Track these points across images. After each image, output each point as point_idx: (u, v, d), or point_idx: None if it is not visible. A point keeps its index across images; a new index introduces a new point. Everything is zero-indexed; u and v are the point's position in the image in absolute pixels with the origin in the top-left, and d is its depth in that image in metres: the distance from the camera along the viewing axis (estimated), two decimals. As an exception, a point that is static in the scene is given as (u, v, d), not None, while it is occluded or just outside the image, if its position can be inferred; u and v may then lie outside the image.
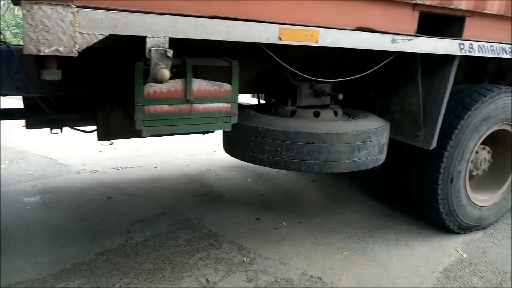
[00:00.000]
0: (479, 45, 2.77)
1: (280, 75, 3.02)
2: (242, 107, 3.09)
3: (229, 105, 2.38)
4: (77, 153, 5.44)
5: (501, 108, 3.20)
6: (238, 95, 2.42)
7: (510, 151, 3.55)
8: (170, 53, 1.81)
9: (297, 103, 2.92)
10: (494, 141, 3.62)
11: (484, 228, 3.65)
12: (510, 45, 2.94)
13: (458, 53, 2.70)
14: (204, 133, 3.13)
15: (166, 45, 1.80)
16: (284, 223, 3.62)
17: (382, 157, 2.85)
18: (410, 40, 2.46)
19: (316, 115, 2.88)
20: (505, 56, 2.94)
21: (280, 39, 2.04)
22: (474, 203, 3.43)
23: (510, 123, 3.33)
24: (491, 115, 3.15)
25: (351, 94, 3.65)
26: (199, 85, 2.25)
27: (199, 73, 2.56)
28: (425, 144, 2.96)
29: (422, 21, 2.64)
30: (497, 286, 2.85)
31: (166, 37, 1.80)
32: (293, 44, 2.12)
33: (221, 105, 2.35)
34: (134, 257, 2.94)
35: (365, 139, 2.63)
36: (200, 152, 5.78)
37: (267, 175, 4.87)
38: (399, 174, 3.58)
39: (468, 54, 2.74)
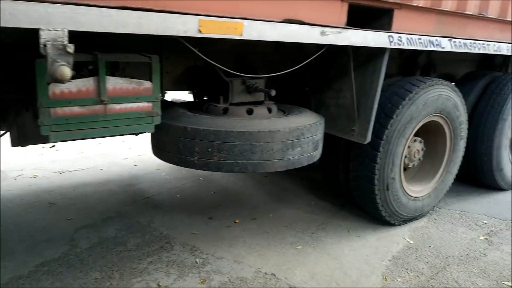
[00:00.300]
0: (407, 38, 2.77)
1: (211, 70, 2.85)
2: (172, 105, 2.89)
3: (150, 104, 2.18)
4: (13, 157, 5.01)
5: (431, 101, 3.25)
6: (160, 93, 2.23)
7: (440, 140, 3.65)
8: (70, 48, 1.58)
9: (229, 100, 2.77)
10: (424, 132, 3.71)
11: (428, 213, 3.76)
12: (436, 38, 2.99)
13: (387, 45, 2.68)
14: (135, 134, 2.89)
15: (66, 39, 1.57)
16: (237, 221, 3.57)
17: (318, 154, 2.79)
18: (340, 32, 2.39)
19: (250, 112, 2.75)
20: (432, 48, 2.98)
21: (200, 31, 1.87)
22: (412, 196, 3.48)
23: (439, 114, 3.40)
24: (418, 110, 3.18)
25: (287, 90, 3.59)
26: (114, 83, 2.03)
27: (120, 71, 2.34)
28: (360, 138, 2.93)
29: (352, 13, 2.59)
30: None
31: (64, 30, 1.56)
32: (216, 38, 1.96)
33: (141, 104, 2.14)
34: (79, 266, 2.78)
35: (299, 136, 2.54)
36: (149, 152, 5.49)
37: (219, 173, 4.72)
38: (337, 170, 3.56)
39: (397, 46, 2.74)
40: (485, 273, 2.95)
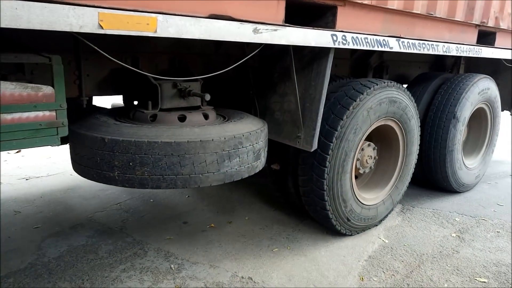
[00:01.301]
0: (353, 37, 2.58)
1: (139, 73, 2.54)
2: (95, 112, 2.56)
3: (53, 113, 1.85)
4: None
5: (382, 104, 3.09)
6: (65, 100, 1.89)
7: (394, 144, 3.50)
8: None
9: (159, 106, 2.47)
10: (377, 137, 3.56)
11: (381, 221, 3.61)
12: (384, 38, 2.82)
13: (331, 45, 2.47)
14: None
15: None
16: (213, 225, 3.52)
17: (260, 164, 2.54)
18: (275, 30, 2.15)
19: (182, 119, 2.46)
20: (380, 48, 2.82)
21: (102, 27, 1.57)
22: (366, 204, 3.31)
23: (391, 118, 3.25)
24: (369, 113, 3.01)
25: (232, 93, 3.33)
26: (3, 89, 1.69)
27: (27, 74, 2.00)
28: (306, 145, 2.71)
29: (292, 10, 2.37)
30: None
31: None
32: (124, 35, 1.66)
33: (40, 113, 1.81)
34: (47, 276, 2.67)
35: (236, 145, 2.28)
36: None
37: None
38: (286, 178, 3.33)
39: (342, 46, 2.54)
40: (458, 270, 2.97)
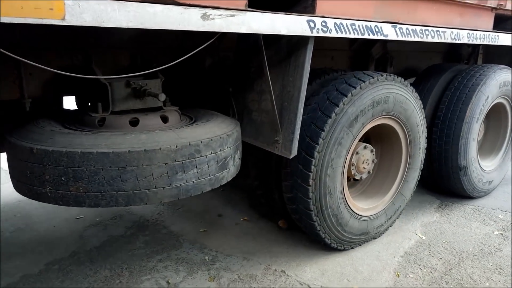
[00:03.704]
0: (335, 23, 2.18)
1: (90, 70, 2.23)
2: (39, 116, 2.25)
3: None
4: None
5: (378, 100, 2.67)
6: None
7: (395, 145, 3.08)
8: None
9: (110, 108, 2.14)
10: (376, 138, 3.14)
11: (382, 233, 3.21)
12: (376, 24, 2.41)
13: (308, 33, 2.08)
14: None
15: None
16: (246, 218, 3.53)
17: (228, 174, 2.18)
18: (233, 15, 1.78)
19: (134, 123, 2.12)
20: (371, 37, 2.40)
21: (-12, 14, 1.24)
22: (362, 215, 2.91)
23: (390, 116, 2.83)
24: (364, 109, 2.61)
25: (210, 91, 2.98)
26: None
27: None
28: (285, 151, 2.34)
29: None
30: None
31: None
32: (26, 23, 1.33)
33: None
34: (89, 264, 2.80)
35: (192, 154, 1.93)
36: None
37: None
38: (270, 184, 2.97)
39: (322, 34, 2.14)
40: (500, 268, 2.85)
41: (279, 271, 2.74)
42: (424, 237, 3.24)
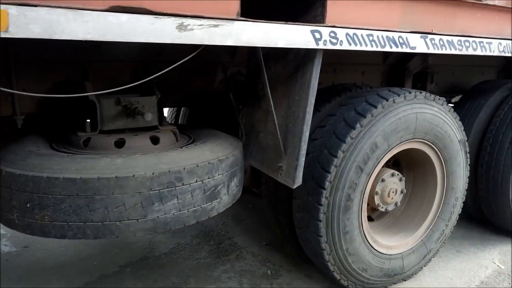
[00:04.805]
0: (348, 34, 1.87)
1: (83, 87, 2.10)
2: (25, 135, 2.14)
3: None
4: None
5: (402, 121, 2.30)
6: None
7: (429, 174, 2.66)
8: None
9: (98, 127, 1.99)
10: (409, 164, 2.74)
11: (411, 276, 2.79)
12: (400, 34, 2.06)
13: (312, 45, 1.79)
14: None
15: None
16: None
17: (220, 205, 1.92)
18: (216, 26, 1.55)
19: (120, 144, 1.94)
20: (394, 49, 2.06)
21: None
22: (384, 254, 2.52)
23: (421, 140, 2.44)
24: (386, 132, 2.25)
25: (220, 109, 2.78)
26: None
27: None
28: (288, 180, 2.04)
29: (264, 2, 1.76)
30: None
31: None
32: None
33: None
34: (158, 269, 2.91)
35: (171, 182, 1.70)
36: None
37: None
38: (277, 212, 2.68)
39: (331, 47, 1.84)
40: None
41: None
42: (503, 267, 3.02)
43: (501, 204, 3.14)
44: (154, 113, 2.12)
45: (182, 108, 4.31)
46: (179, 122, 4.32)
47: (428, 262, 2.81)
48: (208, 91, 2.64)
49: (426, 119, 2.39)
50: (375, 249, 2.46)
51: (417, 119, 2.36)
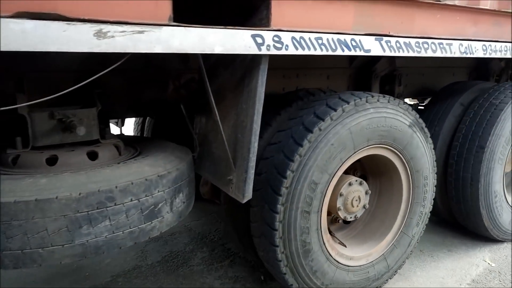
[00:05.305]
0: (293, 38, 1.75)
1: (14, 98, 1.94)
2: None
3: None
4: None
5: (366, 126, 2.20)
6: None
7: (395, 182, 2.56)
8: None
9: (30, 143, 1.83)
10: (375, 171, 2.64)
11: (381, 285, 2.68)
12: (353, 37, 1.95)
13: (254, 51, 1.67)
14: None
15: None
16: None
17: (162, 224, 1.78)
18: (142, 32, 1.41)
19: (52, 161, 1.79)
20: (347, 53, 1.94)
21: None
22: (347, 265, 2.41)
23: (384, 146, 2.34)
24: (345, 137, 2.13)
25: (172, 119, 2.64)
26: None
27: None
28: (237, 194, 1.91)
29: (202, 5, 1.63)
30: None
31: None
32: None
33: None
34: (152, 278, 2.88)
35: (102, 203, 1.56)
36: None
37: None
38: (239, 215, 2.55)
39: (275, 52, 1.72)
40: None
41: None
42: (493, 264, 3.04)
43: (471, 207, 3.05)
44: (94, 126, 1.97)
45: (147, 119, 4.16)
46: (145, 133, 4.18)
47: (395, 274, 2.70)
48: (161, 100, 2.49)
49: (389, 124, 2.28)
50: (335, 260, 2.34)
51: (379, 123, 2.25)
